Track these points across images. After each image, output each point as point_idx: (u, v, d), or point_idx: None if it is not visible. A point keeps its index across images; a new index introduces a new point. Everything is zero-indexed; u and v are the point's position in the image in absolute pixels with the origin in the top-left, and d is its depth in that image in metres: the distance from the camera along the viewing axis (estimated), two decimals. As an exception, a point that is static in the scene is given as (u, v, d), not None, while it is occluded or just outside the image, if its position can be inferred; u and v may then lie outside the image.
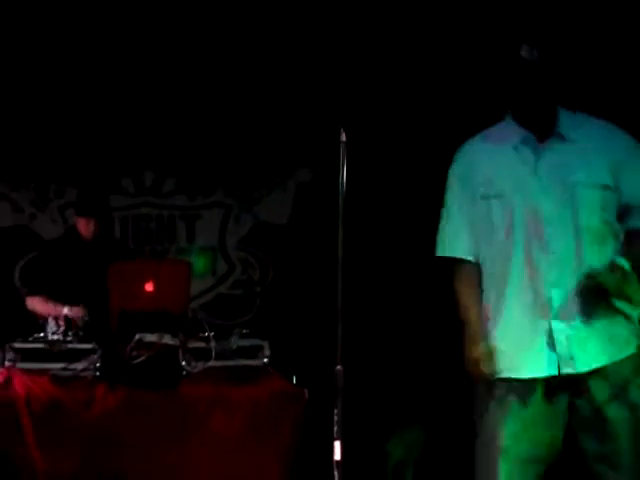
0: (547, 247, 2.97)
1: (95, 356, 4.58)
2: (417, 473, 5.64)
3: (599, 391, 2.95)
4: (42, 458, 4.40)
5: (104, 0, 6.37)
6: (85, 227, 5.26)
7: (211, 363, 4.68)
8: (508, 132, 3.04)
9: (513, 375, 3.02)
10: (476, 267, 3.12)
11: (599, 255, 2.98)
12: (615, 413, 2.93)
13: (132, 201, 6.57)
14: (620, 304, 2.99)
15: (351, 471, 3.26)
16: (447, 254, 3.19)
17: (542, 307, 2.97)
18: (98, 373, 4.56)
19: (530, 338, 3.00)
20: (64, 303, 4.99)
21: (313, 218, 6.23)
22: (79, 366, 4.56)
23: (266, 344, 4.85)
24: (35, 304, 5.20)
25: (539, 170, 2.97)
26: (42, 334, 4.81)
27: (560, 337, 2.96)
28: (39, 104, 6.36)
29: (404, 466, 5.70)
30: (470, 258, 3.13)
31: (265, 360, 4.81)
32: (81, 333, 4.79)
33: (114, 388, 4.53)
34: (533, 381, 2.99)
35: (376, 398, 5.65)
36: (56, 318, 4.82)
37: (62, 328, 4.78)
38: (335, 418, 3.19)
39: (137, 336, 4.58)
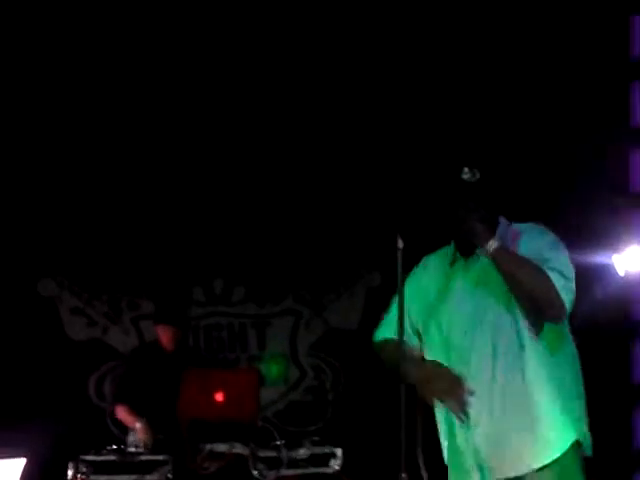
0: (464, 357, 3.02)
1: (167, 468, 4.57)
2: None
3: None
4: None
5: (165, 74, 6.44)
6: (165, 335, 5.32)
7: (283, 472, 4.62)
8: (449, 251, 3.16)
9: None
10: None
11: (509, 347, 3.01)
12: None
13: (203, 310, 6.57)
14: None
15: None
16: (379, 334, 3.26)
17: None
18: (173, 483, 4.46)
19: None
20: (145, 413, 5.03)
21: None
22: (151, 478, 4.55)
23: (339, 451, 4.82)
24: (118, 412, 5.26)
25: (464, 282, 3.08)
26: (114, 446, 4.87)
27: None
28: (109, 220, 6.47)
29: None
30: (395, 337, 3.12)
31: (337, 467, 4.78)
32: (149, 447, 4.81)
33: (186, 500, 4.50)
34: None
35: None
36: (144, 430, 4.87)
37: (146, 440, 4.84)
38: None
39: (208, 446, 4.57)
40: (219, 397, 4.69)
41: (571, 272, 3.02)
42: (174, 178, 6.62)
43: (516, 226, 3.12)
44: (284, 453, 4.70)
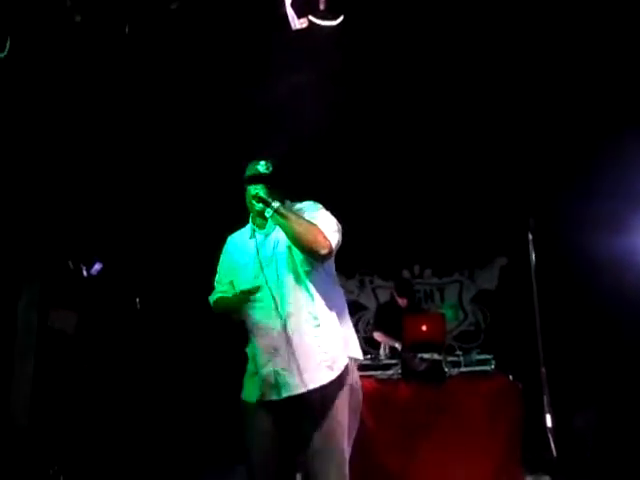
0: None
1: (398, 367, 4.47)
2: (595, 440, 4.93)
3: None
4: (371, 421, 4.18)
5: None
6: (402, 300, 5.08)
7: (462, 369, 4.44)
8: (248, 228, 2.48)
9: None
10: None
11: (299, 294, 2.31)
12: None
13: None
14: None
15: (558, 434, 2.88)
16: (213, 298, 2.48)
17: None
18: (400, 376, 4.43)
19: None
20: (394, 338, 4.73)
21: (512, 286, 5.76)
22: (389, 372, 4.45)
23: (491, 357, 4.48)
24: (377, 336, 4.98)
25: (260, 248, 2.38)
26: (371, 355, 4.69)
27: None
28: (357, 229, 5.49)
29: (586, 432, 4.98)
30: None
31: (492, 367, 4.44)
32: (389, 355, 4.70)
33: (409, 384, 4.37)
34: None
35: (568, 388, 4.74)
36: (387, 346, 4.76)
37: (387, 352, 4.72)
38: (545, 398, 2.86)
39: (419, 355, 4.42)
40: (424, 328, 4.50)
41: (336, 226, 2.33)
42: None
43: (299, 204, 2.43)
44: (461, 358, 4.48)
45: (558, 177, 5.19)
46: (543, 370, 2.91)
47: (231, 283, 2.43)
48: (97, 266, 4.23)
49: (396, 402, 4.26)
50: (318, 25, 3.60)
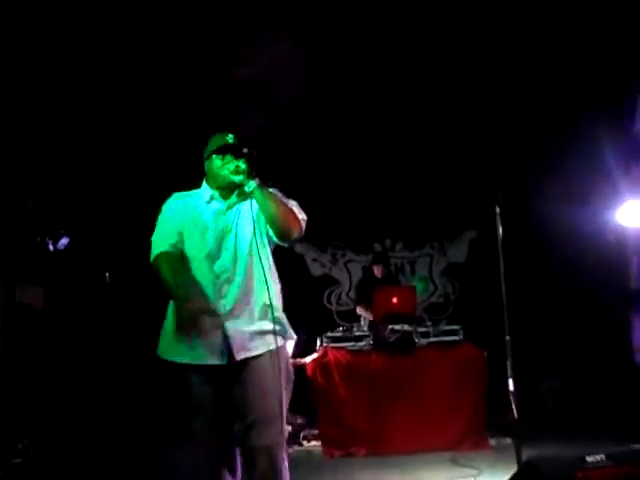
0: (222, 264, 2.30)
1: (370, 338, 4.61)
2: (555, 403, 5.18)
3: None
4: (343, 390, 4.40)
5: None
6: (377, 270, 5.26)
7: (431, 339, 4.61)
8: (204, 192, 2.39)
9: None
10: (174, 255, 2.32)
11: (255, 266, 2.28)
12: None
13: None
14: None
15: (519, 398, 3.02)
16: (156, 252, 2.30)
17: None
18: (372, 347, 4.59)
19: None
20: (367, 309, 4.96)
21: (480, 259, 5.95)
22: (361, 344, 4.59)
23: (459, 327, 4.67)
24: (358, 310, 5.16)
25: (219, 217, 2.33)
26: (340, 327, 4.84)
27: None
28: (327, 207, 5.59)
29: (547, 397, 5.25)
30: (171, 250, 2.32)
31: (460, 336, 4.62)
32: (365, 328, 4.84)
33: (380, 354, 4.53)
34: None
35: (532, 356, 5.00)
36: (367, 319, 4.91)
37: (364, 325, 4.86)
38: (508, 363, 3.03)
39: (390, 326, 4.57)
40: (395, 300, 4.64)
41: (303, 212, 2.34)
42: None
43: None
44: (431, 329, 4.66)
45: (526, 151, 5.31)
46: (508, 338, 3.06)
47: (180, 237, 2.32)
48: (64, 240, 4.11)
49: (368, 372, 4.40)
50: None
